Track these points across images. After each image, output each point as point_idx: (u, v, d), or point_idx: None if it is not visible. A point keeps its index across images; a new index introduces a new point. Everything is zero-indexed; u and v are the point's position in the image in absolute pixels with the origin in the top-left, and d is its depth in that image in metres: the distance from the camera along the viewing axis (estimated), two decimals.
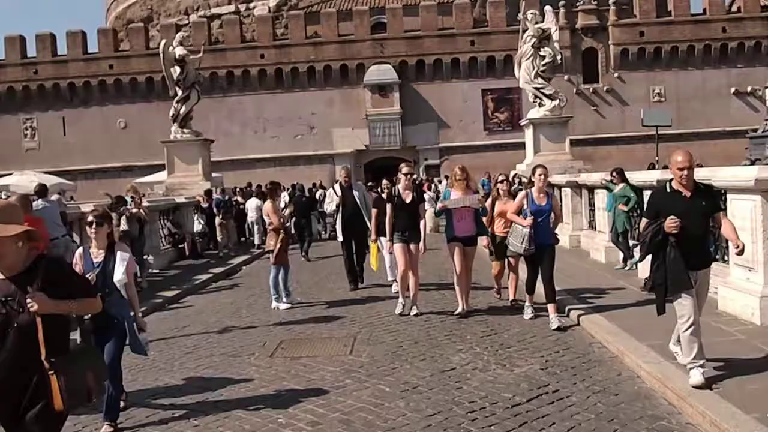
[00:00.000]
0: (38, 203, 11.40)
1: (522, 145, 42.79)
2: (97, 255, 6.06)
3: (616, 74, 43.80)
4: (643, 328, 7.85)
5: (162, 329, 9.97)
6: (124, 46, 45.99)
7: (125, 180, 34.46)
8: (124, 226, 13.96)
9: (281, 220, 11.46)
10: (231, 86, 44.06)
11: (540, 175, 8.98)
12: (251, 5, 51.65)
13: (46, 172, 33.16)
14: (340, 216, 12.69)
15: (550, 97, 22.26)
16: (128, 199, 15.10)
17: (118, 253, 6.05)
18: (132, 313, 6.15)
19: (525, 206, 8.93)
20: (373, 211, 10.99)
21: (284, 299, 11.25)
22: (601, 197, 14.05)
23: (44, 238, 6.28)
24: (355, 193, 12.80)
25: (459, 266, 9.65)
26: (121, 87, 44.09)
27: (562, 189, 16.97)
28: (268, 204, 11.55)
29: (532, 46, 21.89)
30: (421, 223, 10.13)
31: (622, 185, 12.28)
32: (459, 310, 9.66)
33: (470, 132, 43.79)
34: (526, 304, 9.38)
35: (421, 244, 10.05)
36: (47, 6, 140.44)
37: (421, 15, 43.76)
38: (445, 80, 43.68)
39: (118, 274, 5.95)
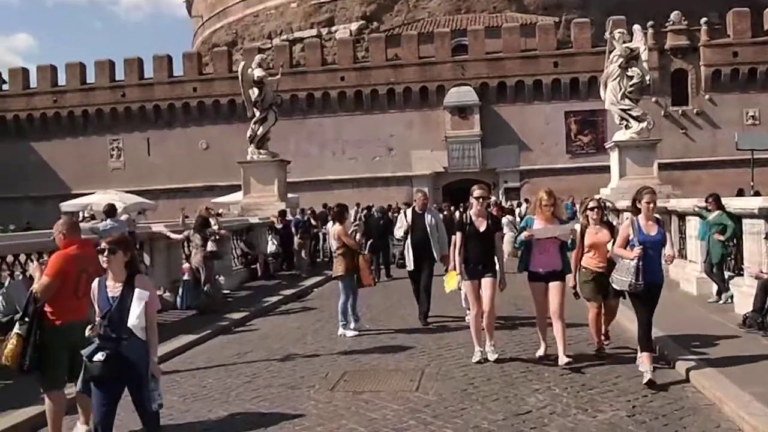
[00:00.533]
0: (106, 223, 11.32)
1: (606, 169, 41.80)
2: (114, 288, 5.23)
3: (707, 96, 42.00)
4: (745, 372, 7.03)
5: (224, 355, 9.61)
6: (209, 70, 46.96)
7: (206, 199, 35.03)
8: (211, 246, 13.93)
9: (356, 241, 11.29)
10: (311, 108, 44.31)
11: (648, 202, 7.54)
12: (333, 29, 52.10)
13: (129, 191, 33.93)
14: (408, 243, 11.68)
15: (637, 119, 21.21)
16: (212, 221, 15.04)
17: (137, 291, 5.18)
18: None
19: (631, 236, 7.54)
20: (455, 236, 8.94)
21: (352, 325, 10.78)
22: (693, 225, 13.06)
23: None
24: (427, 218, 11.69)
25: (541, 308, 8.38)
26: (204, 109, 44.97)
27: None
28: (338, 226, 11.06)
29: (619, 66, 20.93)
30: (498, 255, 8.81)
31: (717, 212, 11.32)
32: (540, 352, 8.46)
33: (552, 155, 42.70)
34: (644, 364, 7.42)
35: (501, 278, 8.66)
36: (137, 34, 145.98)
37: (503, 37, 43.10)
38: (527, 102, 42.78)
39: (133, 318, 5.09)
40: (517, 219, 24.48)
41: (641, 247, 7.33)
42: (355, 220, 23.06)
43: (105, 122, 46.23)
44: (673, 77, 42.38)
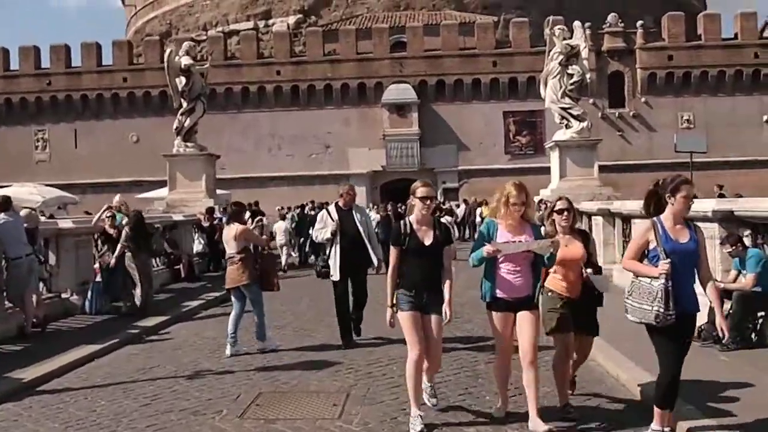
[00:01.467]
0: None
1: (546, 170, 41.72)
2: None
3: (643, 99, 42.33)
4: (708, 394, 6.34)
5: (127, 370, 8.58)
6: (141, 61, 45.18)
7: (135, 195, 33.51)
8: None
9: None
10: (246, 102, 43.07)
11: (686, 196, 5.26)
12: (270, 22, 50.84)
13: (54, 185, 32.23)
14: (336, 247, 9.48)
15: (577, 118, 20.83)
16: (119, 215, 13.93)
17: None
18: None
19: (652, 244, 5.34)
20: (392, 252, 6.39)
21: (260, 342, 9.52)
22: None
23: None
24: (356, 217, 9.63)
25: (505, 347, 6.12)
26: (135, 100, 43.31)
27: (593, 217, 15.48)
28: (238, 226, 9.22)
29: (560, 63, 20.53)
30: (446, 277, 6.32)
31: None
32: (497, 409, 6.30)
33: (491, 155, 42.39)
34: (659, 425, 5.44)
35: (446, 308, 6.19)
36: (66, 21, 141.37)
37: (441, 34, 42.61)
38: (466, 101, 42.42)
39: None
40: (456, 220, 23.86)
41: (669, 261, 5.15)
42: (283, 219, 22.11)
43: (29, 112, 44.13)
44: (610, 79, 42.59)
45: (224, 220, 18.41)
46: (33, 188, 26.06)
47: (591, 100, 41.74)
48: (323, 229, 9.58)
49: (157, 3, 58.42)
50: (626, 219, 14.06)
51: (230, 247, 9.13)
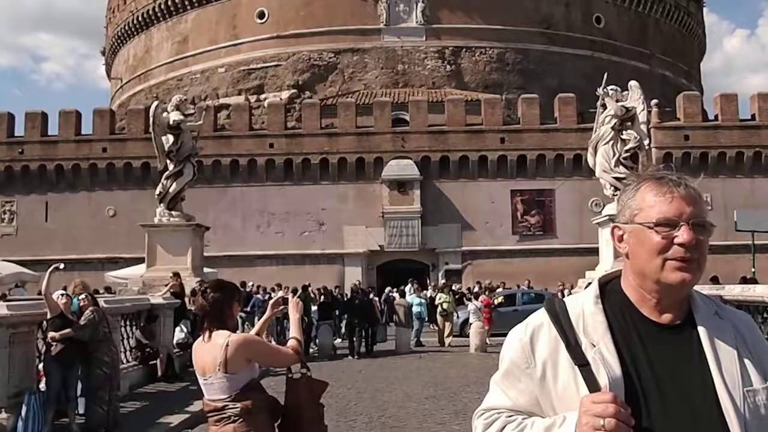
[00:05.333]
0: None
1: (556, 252, 39.56)
2: None
3: None
4: None
5: None
6: (124, 132, 42.37)
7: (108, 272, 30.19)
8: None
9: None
10: (235, 176, 40.08)
11: None
12: (262, 97, 48.59)
13: (18, 261, 28.85)
14: None
15: None
16: (75, 300, 10.32)
17: None
18: None
19: None
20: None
21: None
22: None
23: None
24: None
25: None
26: (114, 171, 40.15)
27: None
28: (226, 338, 4.51)
29: (612, 128, 17.76)
30: None
31: None
32: None
33: (497, 236, 39.47)
34: None
35: None
36: (56, 103, 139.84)
37: (446, 109, 40.32)
38: (471, 178, 39.70)
39: None
40: (477, 304, 20.68)
41: None
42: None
43: None
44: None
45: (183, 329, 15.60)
46: None
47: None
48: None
49: (144, 77, 56.33)
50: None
51: (211, 387, 4.10)
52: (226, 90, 50.34)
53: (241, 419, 3.94)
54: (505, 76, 48.79)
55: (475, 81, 48.62)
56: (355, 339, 19.48)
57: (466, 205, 39.55)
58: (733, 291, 11.36)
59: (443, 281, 32.40)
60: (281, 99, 45.43)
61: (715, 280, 19.78)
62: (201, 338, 4.21)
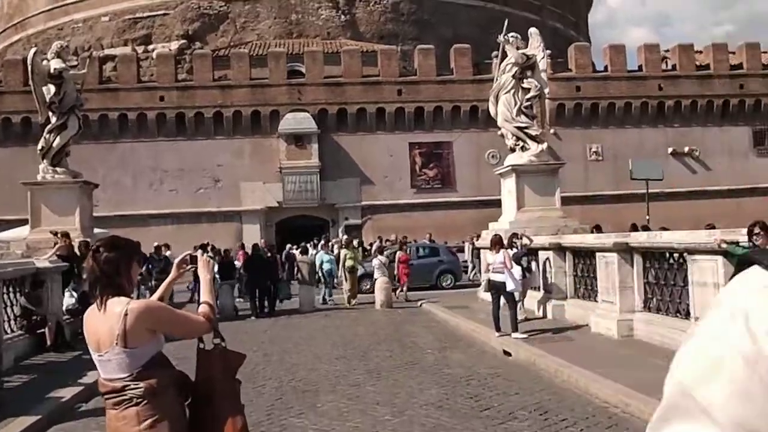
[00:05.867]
0: None
1: (452, 206, 39.86)
2: None
3: (552, 130, 40.56)
4: None
5: None
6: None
7: None
8: None
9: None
10: (124, 131, 38.20)
11: None
12: (150, 47, 46.38)
13: None
14: None
15: (535, 139, 17.98)
16: None
17: None
18: None
19: None
20: None
21: None
22: (710, 267, 9.37)
23: None
24: None
25: None
26: None
27: (602, 254, 12.41)
28: (125, 306, 3.44)
29: (513, 76, 17.65)
30: None
31: None
32: None
33: (396, 189, 39.40)
34: None
35: None
36: None
37: (343, 61, 39.52)
38: (369, 131, 39.29)
39: None
40: (381, 259, 20.51)
41: None
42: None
43: None
44: None
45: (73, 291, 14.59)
46: None
47: (499, 132, 39.72)
48: None
49: (20, 26, 52.81)
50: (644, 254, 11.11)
51: (108, 365, 3.41)
52: (110, 40, 47.80)
53: (145, 401, 3.29)
54: (401, 27, 48.38)
55: (370, 31, 48.01)
56: (257, 299, 19.00)
57: (365, 158, 39.21)
58: (639, 238, 11.54)
59: (345, 236, 32.08)
60: (170, 50, 43.47)
61: (598, 229, 20.14)
62: (93, 306, 3.48)
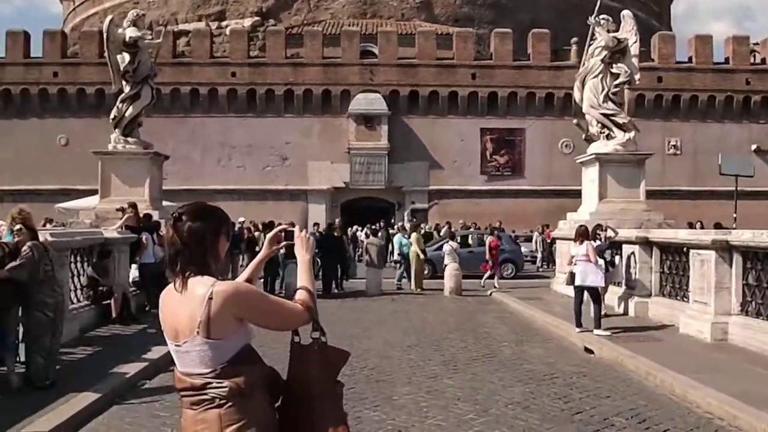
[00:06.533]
0: None
1: (521, 193, 38.88)
2: None
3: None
4: None
5: None
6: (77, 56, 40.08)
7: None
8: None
9: None
10: (195, 106, 38.34)
11: None
12: (224, 24, 46.42)
13: None
14: None
15: (622, 127, 16.97)
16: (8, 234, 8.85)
17: None
18: None
19: None
20: None
21: None
22: None
23: None
24: None
25: None
26: (66, 98, 38.11)
27: (697, 251, 11.50)
28: (210, 287, 2.84)
29: (602, 60, 16.68)
30: None
31: None
32: None
33: (465, 175, 38.60)
34: None
35: None
36: (3, 27, 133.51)
37: (417, 42, 38.80)
38: (441, 115, 38.51)
39: None
40: (452, 245, 19.84)
41: None
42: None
43: None
44: None
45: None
46: None
47: (575, 121, 38.43)
48: None
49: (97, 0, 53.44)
50: (745, 253, 10.18)
51: (187, 357, 2.82)
52: (185, 15, 48.05)
53: (229, 403, 2.70)
54: (477, 10, 47.35)
55: (445, 14, 47.12)
56: (328, 278, 18.69)
57: (435, 142, 38.50)
58: (742, 236, 10.61)
59: (413, 220, 31.45)
60: (244, 26, 43.39)
61: (691, 226, 19.11)
62: (170, 286, 2.89)
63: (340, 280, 19.58)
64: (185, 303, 2.76)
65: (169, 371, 7.92)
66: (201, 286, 2.74)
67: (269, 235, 3.32)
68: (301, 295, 2.98)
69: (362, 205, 37.71)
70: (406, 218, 36.20)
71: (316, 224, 25.36)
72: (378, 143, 37.66)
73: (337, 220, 27.11)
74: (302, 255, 3.17)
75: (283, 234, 3.31)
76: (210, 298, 2.70)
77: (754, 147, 39.60)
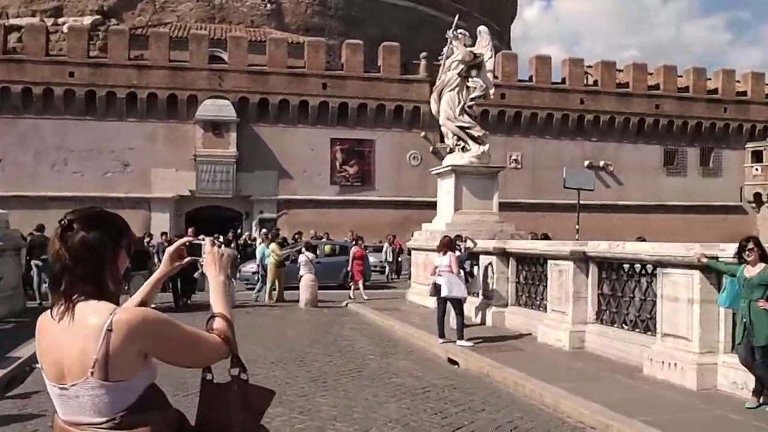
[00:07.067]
0: None
1: (372, 204, 39.10)
2: None
3: None
4: None
5: None
6: None
7: None
8: None
9: None
10: (27, 106, 35.65)
11: None
12: (60, 21, 43.67)
13: None
14: None
15: (477, 140, 17.35)
16: None
17: None
18: None
19: None
20: None
21: None
22: (684, 281, 8.81)
23: None
24: None
25: None
26: None
27: (555, 261, 11.83)
28: (114, 315, 2.29)
29: (459, 74, 16.99)
30: None
31: (761, 266, 7.29)
32: None
33: (315, 185, 38.35)
34: None
35: None
36: None
37: (268, 49, 38.15)
38: (291, 124, 38.08)
39: None
40: (308, 255, 19.51)
41: None
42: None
43: None
44: None
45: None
46: None
47: (423, 134, 39.40)
48: None
49: None
50: (600, 264, 10.61)
51: (75, 403, 2.22)
52: (17, 10, 44.81)
53: None
54: (327, 21, 47.48)
55: (296, 23, 46.89)
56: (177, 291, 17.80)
57: (285, 151, 38.01)
58: (598, 247, 11.03)
59: (274, 230, 30.72)
60: (83, 24, 41.02)
61: (545, 237, 19.90)
62: (51, 313, 2.28)
63: (188, 292, 18.60)
64: (73, 335, 2.19)
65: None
66: (95, 314, 2.19)
67: (169, 249, 2.77)
68: (218, 324, 2.46)
69: (209, 215, 36.51)
70: (254, 228, 35.56)
71: (164, 233, 24.23)
72: (226, 151, 36.65)
73: (190, 230, 26.05)
74: (214, 274, 2.67)
75: (185, 248, 2.85)
76: (109, 330, 2.14)
77: (586, 163, 42.08)
